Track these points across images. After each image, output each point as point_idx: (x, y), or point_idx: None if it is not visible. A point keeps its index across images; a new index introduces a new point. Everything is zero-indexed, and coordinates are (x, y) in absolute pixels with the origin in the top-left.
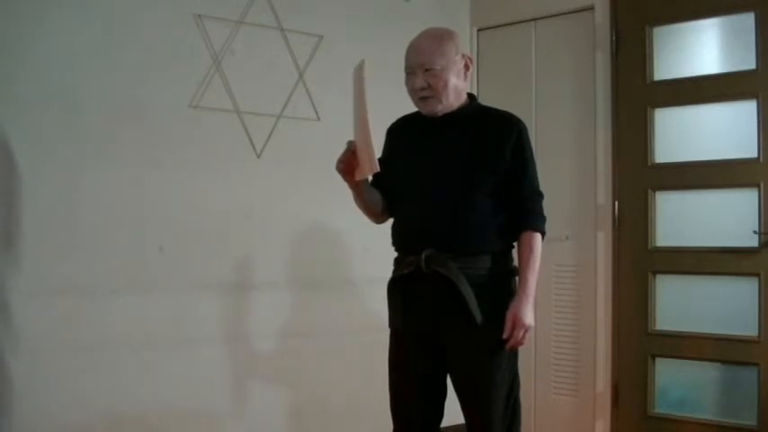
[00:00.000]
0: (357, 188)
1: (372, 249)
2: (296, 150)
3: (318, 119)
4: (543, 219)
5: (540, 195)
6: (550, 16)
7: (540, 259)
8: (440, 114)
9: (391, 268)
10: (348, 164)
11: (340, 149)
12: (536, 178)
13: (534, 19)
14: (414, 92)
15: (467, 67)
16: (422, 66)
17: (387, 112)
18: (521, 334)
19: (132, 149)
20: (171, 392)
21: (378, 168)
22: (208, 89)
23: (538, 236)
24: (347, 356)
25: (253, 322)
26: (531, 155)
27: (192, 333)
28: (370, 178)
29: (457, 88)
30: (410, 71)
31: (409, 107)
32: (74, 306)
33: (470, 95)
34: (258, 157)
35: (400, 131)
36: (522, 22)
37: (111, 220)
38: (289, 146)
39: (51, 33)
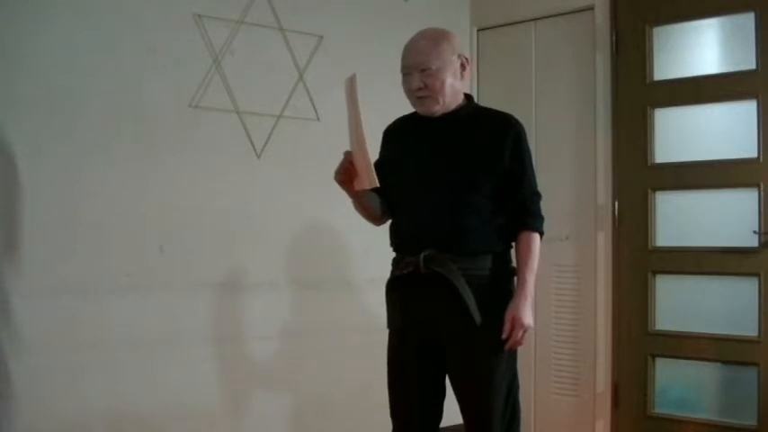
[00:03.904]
0: (356, 196)
1: (372, 249)
2: (296, 150)
3: (318, 119)
4: (541, 219)
5: (538, 196)
6: (550, 16)
7: (539, 259)
8: (437, 115)
9: (390, 269)
10: (347, 174)
11: (340, 149)
12: (534, 179)
13: (534, 19)
14: (410, 92)
15: (463, 68)
16: (418, 66)
17: (386, 111)
18: (519, 334)
19: (132, 149)
20: (171, 392)
21: (377, 184)
22: (208, 89)
23: (536, 236)
24: (347, 356)
25: (253, 322)
26: (530, 156)
27: (192, 333)
28: None
29: (454, 88)
30: (406, 72)
31: (409, 107)
32: (74, 306)
33: (467, 96)
34: (258, 157)
35: (397, 133)
36: (522, 22)
37: (111, 220)
38: (289, 146)
39: (51, 33)
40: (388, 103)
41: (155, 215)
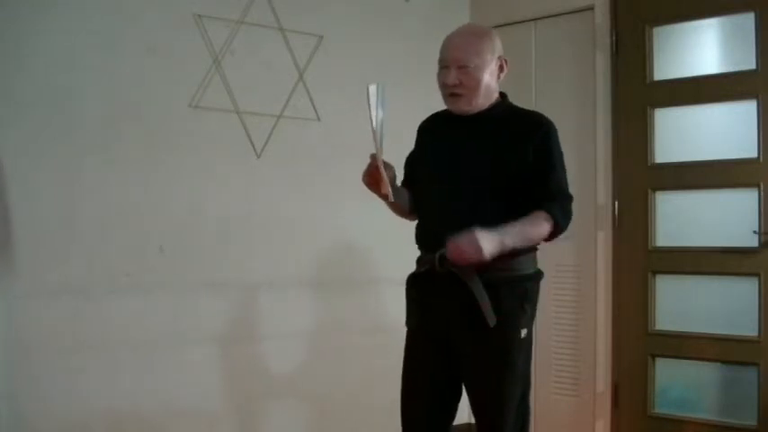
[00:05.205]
0: (384, 198)
1: (373, 249)
2: (296, 150)
3: (318, 119)
4: (565, 214)
5: (568, 196)
6: (550, 16)
7: (538, 251)
8: (468, 114)
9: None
10: (372, 177)
11: (340, 149)
12: (564, 180)
13: (534, 19)
14: (445, 87)
15: (501, 69)
16: (456, 61)
17: (389, 110)
18: (465, 243)
19: (132, 150)
20: (171, 392)
21: (391, 197)
22: (208, 89)
23: (547, 221)
24: (349, 357)
25: (252, 322)
26: (559, 156)
27: (192, 333)
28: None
29: (489, 88)
30: (444, 65)
31: (412, 107)
32: (73, 306)
33: (502, 94)
34: (258, 157)
35: (430, 129)
36: (522, 22)
37: (111, 221)
38: (289, 146)
39: (51, 33)
40: (391, 102)
41: (155, 215)
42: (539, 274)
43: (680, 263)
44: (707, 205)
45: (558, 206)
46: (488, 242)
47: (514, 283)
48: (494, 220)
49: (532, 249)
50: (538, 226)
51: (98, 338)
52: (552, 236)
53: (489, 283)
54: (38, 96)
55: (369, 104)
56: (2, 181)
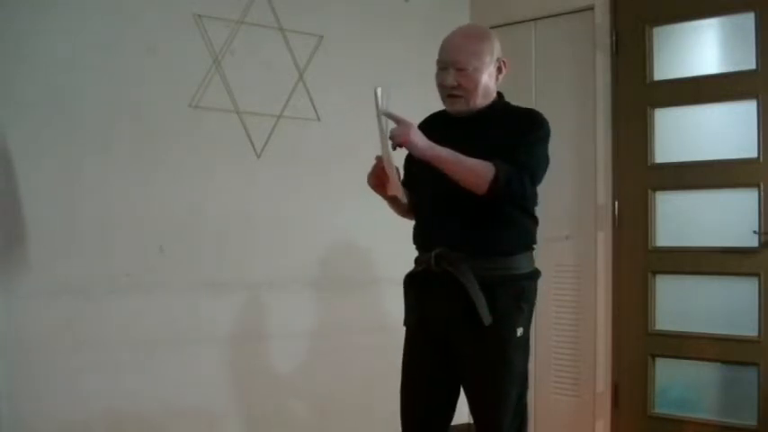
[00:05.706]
0: (390, 200)
1: (373, 249)
2: (296, 150)
3: (318, 119)
4: (513, 177)
5: (530, 173)
6: (550, 16)
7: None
8: (465, 115)
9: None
10: (378, 178)
11: (340, 149)
12: (536, 163)
13: (534, 19)
14: (443, 88)
15: (500, 71)
16: (455, 64)
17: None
18: (404, 126)
19: (132, 149)
20: (171, 392)
21: (401, 196)
22: (208, 89)
23: (491, 173)
24: (349, 357)
25: (252, 322)
26: (540, 145)
27: (192, 333)
28: (402, 174)
29: (487, 90)
30: (442, 66)
31: (411, 107)
32: (74, 306)
33: (499, 94)
34: (258, 157)
35: (428, 130)
36: (522, 22)
37: (111, 221)
38: (289, 146)
39: (51, 33)
40: (389, 104)
41: (155, 215)
42: (535, 273)
43: (680, 263)
44: (707, 205)
45: (511, 170)
46: (421, 137)
47: (510, 282)
48: (490, 220)
49: (529, 248)
50: (479, 167)
51: (98, 338)
52: (491, 191)
53: (485, 282)
54: (38, 96)
55: (376, 107)
56: (8, 182)
